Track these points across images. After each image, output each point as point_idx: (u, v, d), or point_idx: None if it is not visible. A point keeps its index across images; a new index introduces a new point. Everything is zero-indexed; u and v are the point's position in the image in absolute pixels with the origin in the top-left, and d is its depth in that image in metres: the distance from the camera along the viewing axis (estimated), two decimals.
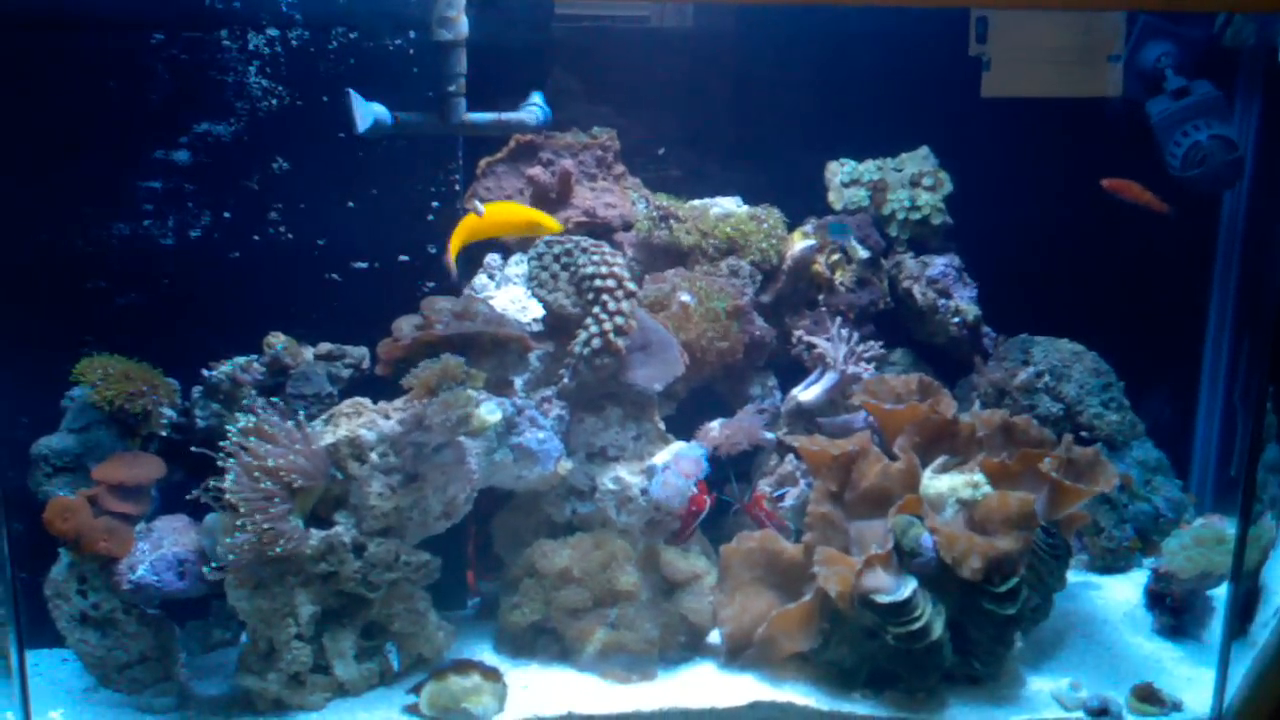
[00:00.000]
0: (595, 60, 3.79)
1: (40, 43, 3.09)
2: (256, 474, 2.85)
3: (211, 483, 2.89)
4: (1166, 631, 3.36)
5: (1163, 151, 3.67)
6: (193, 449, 2.99)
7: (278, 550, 2.84)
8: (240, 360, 3.22)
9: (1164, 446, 3.79)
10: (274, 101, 3.24)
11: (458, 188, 3.41)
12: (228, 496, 2.85)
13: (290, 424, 2.96)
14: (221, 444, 2.91)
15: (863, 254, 3.79)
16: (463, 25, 3.14)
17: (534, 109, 3.39)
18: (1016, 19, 3.74)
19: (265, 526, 2.82)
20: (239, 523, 2.83)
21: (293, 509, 2.89)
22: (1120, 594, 3.56)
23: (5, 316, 2.77)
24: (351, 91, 3.12)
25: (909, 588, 2.92)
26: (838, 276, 3.80)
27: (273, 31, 3.20)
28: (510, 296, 3.42)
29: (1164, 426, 3.85)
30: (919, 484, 3.11)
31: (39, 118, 3.13)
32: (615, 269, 3.31)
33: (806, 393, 3.60)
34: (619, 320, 3.26)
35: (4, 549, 2.72)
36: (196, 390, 3.21)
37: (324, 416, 3.08)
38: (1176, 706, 3.00)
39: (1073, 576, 3.35)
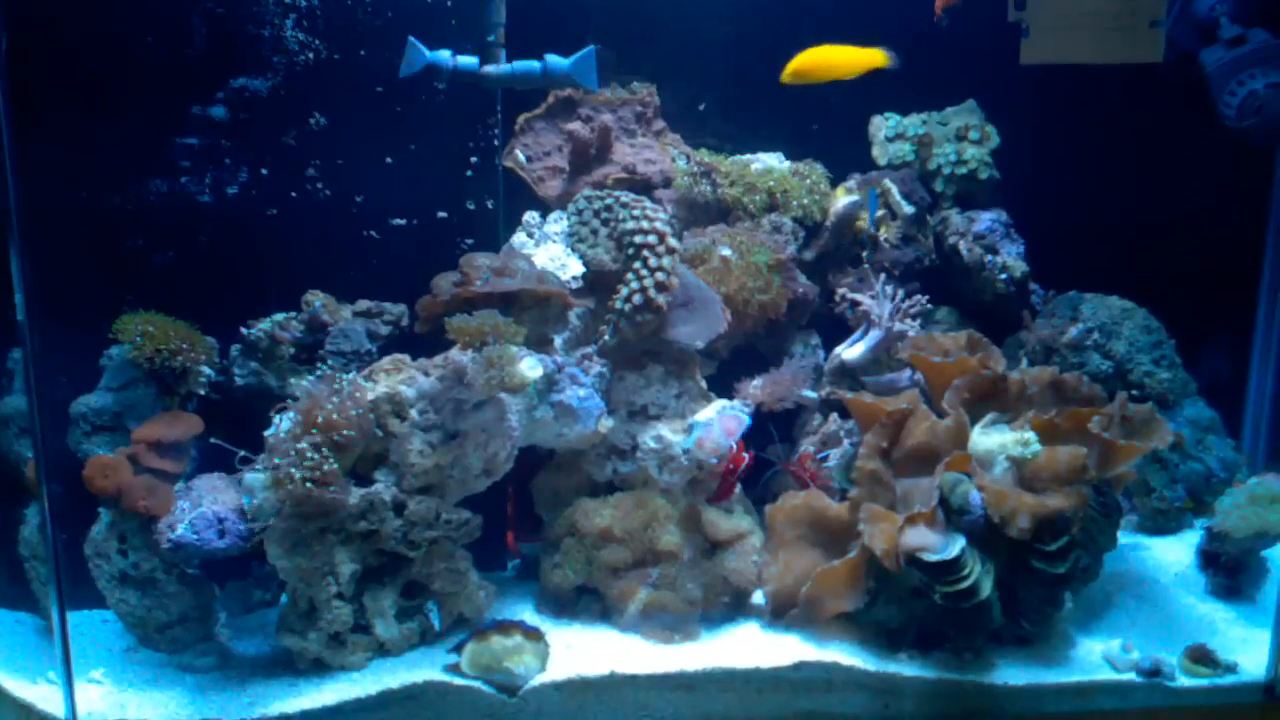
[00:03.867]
0: (632, 23, 3.74)
1: None
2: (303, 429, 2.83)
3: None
4: (1220, 592, 3.30)
5: (1217, 102, 3.58)
6: (231, 409, 2.98)
7: (326, 494, 2.81)
8: (279, 318, 3.21)
9: (1216, 405, 3.73)
10: (311, 55, 3.20)
11: (496, 143, 3.37)
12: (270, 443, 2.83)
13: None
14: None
15: (908, 210, 3.73)
16: None
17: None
18: None
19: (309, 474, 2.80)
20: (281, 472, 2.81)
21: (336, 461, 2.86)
22: (1172, 555, 3.50)
23: (44, 275, 2.76)
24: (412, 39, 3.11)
25: (957, 546, 2.87)
26: (882, 233, 3.74)
27: None
28: (550, 254, 3.38)
29: (1216, 384, 3.79)
30: (968, 441, 3.06)
31: (75, 75, 3.11)
32: (657, 224, 3.27)
33: (851, 350, 3.55)
34: (660, 276, 3.21)
35: (45, 509, 2.72)
36: (235, 348, 3.20)
37: (363, 373, 3.06)
38: (1231, 669, 2.94)
39: (1122, 537, 3.28)
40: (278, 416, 2.91)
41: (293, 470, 2.79)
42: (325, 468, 2.81)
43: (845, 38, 3.72)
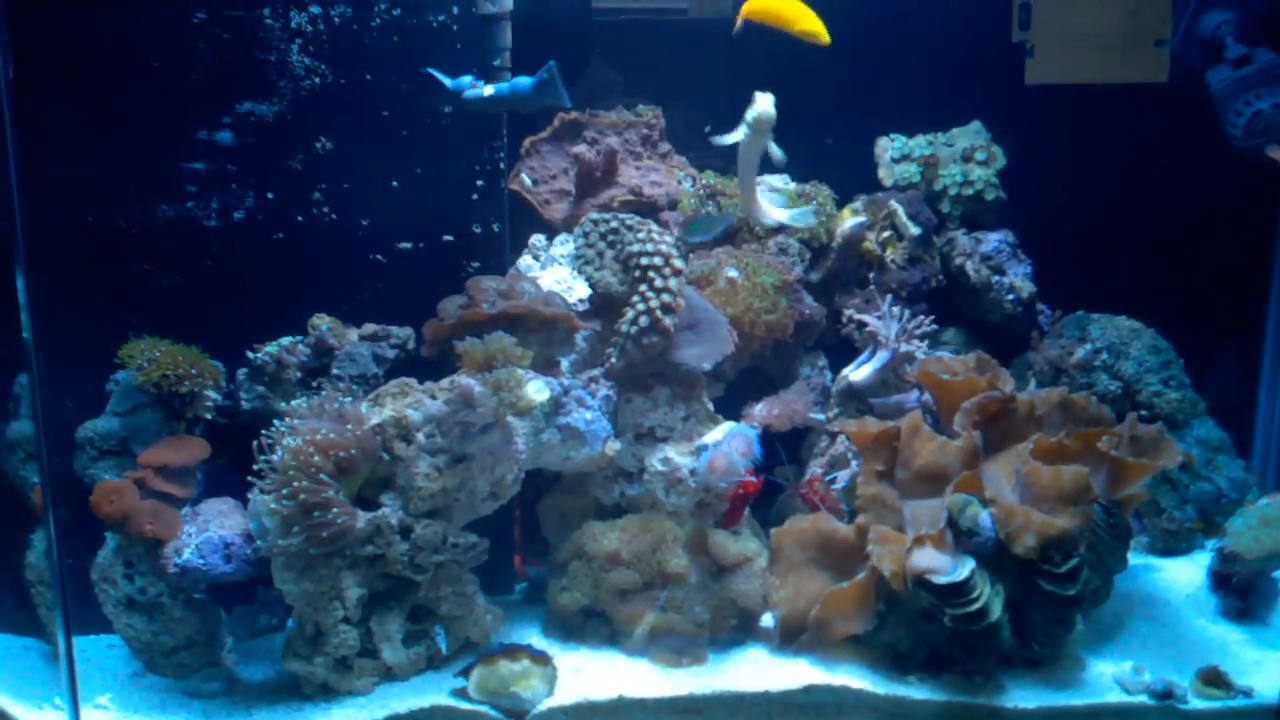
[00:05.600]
0: (636, 53, 3.75)
1: (82, 22, 3.08)
2: (308, 450, 2.82)
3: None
4: (1232, 614, 3.27)
5: (1223, 121, 3.59)
6: (238, 433, 2.97)
7: (328, 522, 2.80)
8: (285, 342, 3.21)
9: (1226, 425, 3.71)
10: (317, 80, 3.21)
11: (503, 166, 3.37)
12: (272, 478, 2.82)
13: (340, 403, 2.94)
14: (265, 432, 2.89)
15: (914, 231, 3.72)
16: None
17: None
18: (1060, 5, 3.68)
19: (314, 506, 2.79)
20: (285, 500, 2.79)
21: (340, 488, 2.86)
22: (1182, 576, 3.48)
23: (50, 300, 2.77)
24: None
25: (966, 568, 2.85)
26: (889, 254, 3.73)
27: (315, 9, 3.17)
28: (556, 277, 3.38)
29: (1226, 404, 3.77)
30: (979, 461, 3.04)
31: (82, 98, 3.12)
32: (662, 246, 3.27)
33: (858, 372, 3.54)
34: (666, 298, 3.21)
35: (51, 533, 2.71)
36: (242, 372, 3.20)
37: (370, 397, 3.05)
38: (1247, 693, 2.91)
39: (1133, 558, 3.26)
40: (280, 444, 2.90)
41: (284, 500, 2.80)
42: (323, 495, 2.81)
43: (848, 61, 3.73)
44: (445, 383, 3.06)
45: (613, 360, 3.30)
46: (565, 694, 2.92)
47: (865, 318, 3.59)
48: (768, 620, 3.19)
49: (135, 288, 3.22)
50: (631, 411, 3.35)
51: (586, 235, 3.39)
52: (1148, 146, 3.81)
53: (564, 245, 3.48)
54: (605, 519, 3.29)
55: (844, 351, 3.68)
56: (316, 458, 2.82)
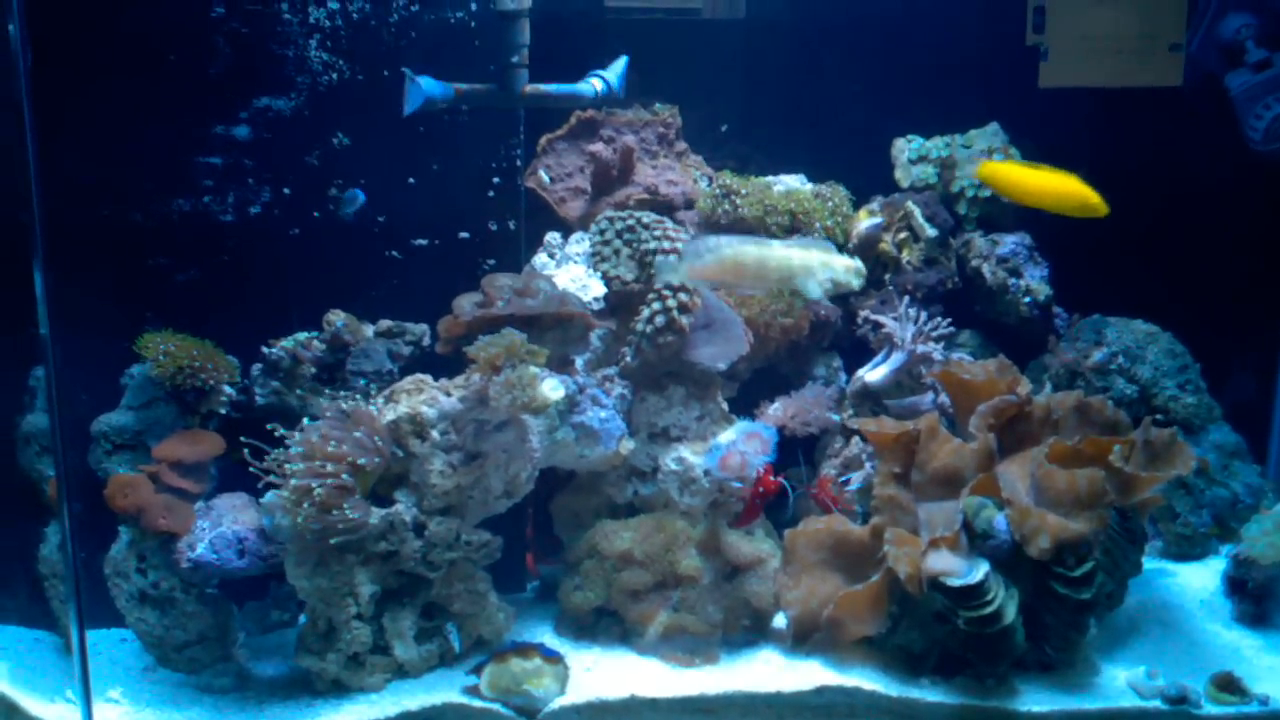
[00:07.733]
0: (650, 52, 3.74)
1: (100, 15, 3.08)
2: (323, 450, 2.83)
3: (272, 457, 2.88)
4: (1247, 619, 3.26)
5: (1242, 125, 3.58)
6: (252, 428, 2.97)
7: (344, 520, 2.80)
8: (300, 337, 3.21)
9: (1242, 430, 3.69)
10: (334, 76, 3.21)
11: (519, 164, 3.37)
12: (291, 481, 2.82)
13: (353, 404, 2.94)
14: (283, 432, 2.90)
15: (931, 232, 3.71)
16: None
17: (595, 80, 3.30)
18: (1074, 8, 3.68)
19: (330, 508, 2.79)
20: (302, 503, 2.80)
21: (356, 488, 2.86)
22: (1197, 581, 3.47)
23: (66, 293, 2.77)
24: (407, 71, 3.07)
25: (981, 570, 2.84)
26: (905, 255, 3.72)
27: (333, 4, 3.17)
28: (571, 275, 3.38)
29: (1242, 409, 3.75)
30: (994, 464, 3.03)
31: (99, 93, 3.12)
32: (679, 245, 3.26)
33: (873, 373, 3.52)
34: (683, 297, 3.20)
35: (65, 527, 2.71)
36: (256, 367, 3.20)
37: (384, 393, 3.05)
38: (1264, 702, 2.89)
39: (1147, 563, 3.25)
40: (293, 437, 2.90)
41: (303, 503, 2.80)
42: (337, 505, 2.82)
43: (865, 61, 3.73)
44: (460, 380, 3.06)
45: (628, 359, 3.30)
46: (577, 693, 2.91)
47: (881, 319, 3.58)
48: (780, 621, 3.18)
49: (151, 282, 3.21)
50: (646, 410, 3.34)
51: (602, 233, 3.38)
52: (1164, 150, 3.79)
53: (579, 243, 3.47)
54: (618, 518, 3.29)
55: (859, 352, 3.67)
56: (331, 460, 2.82)
